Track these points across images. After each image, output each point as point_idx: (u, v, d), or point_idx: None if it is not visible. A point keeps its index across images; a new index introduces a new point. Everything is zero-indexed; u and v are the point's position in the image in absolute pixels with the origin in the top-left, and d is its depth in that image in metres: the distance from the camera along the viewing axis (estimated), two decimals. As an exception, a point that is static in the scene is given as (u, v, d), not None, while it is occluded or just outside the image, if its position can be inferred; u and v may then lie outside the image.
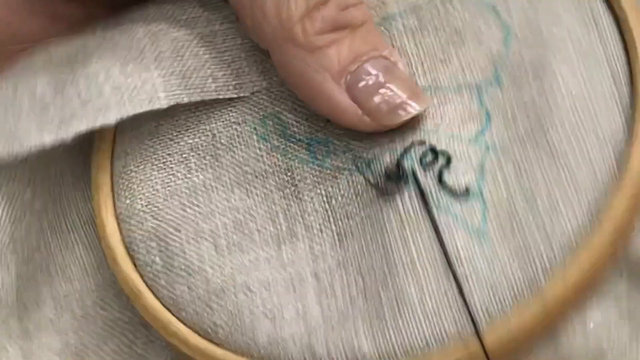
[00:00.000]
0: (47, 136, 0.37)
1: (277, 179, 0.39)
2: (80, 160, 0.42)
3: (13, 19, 0.42)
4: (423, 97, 0.38)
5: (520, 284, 0.35)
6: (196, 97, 0.39)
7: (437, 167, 0.37)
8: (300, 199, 0.38)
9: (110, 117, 0.38)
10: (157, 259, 0.38)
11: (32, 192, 0.42)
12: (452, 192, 0.36)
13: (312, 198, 0.38)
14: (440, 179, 0.37)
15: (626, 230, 0.35)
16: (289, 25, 0.37)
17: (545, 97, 0.37)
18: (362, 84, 0.37)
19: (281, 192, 0.39)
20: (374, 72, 0.37)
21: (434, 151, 0.37)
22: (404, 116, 0.37)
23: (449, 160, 0.37)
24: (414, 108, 0.37)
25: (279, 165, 0.39)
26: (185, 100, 0.39)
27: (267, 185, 0.39)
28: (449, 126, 0.38)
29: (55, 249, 0.42)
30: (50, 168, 0.42)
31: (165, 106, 0.38)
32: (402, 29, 0.39)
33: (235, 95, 0.39)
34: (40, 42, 0.42)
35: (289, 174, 0.39)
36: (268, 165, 0.39)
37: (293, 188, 0.38)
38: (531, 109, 0.37)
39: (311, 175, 0.39)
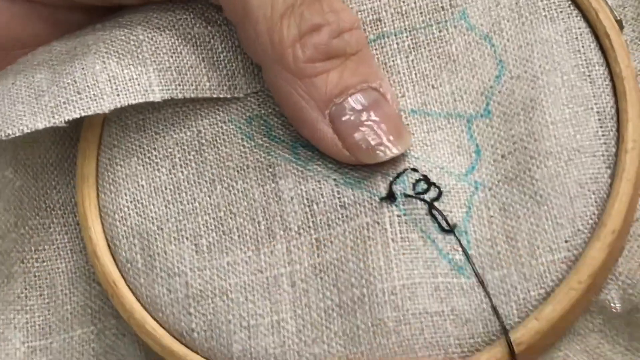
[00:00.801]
0: (40, 121, 0.37)
1: (258, 174, 0.39)
2: (66, 143, 0.42)
3: (16, 25, 0.42)
4: (405, 137, 0.38)
5: (493, 322, 0.36)
6: (190, 94, 0.39)
7: (427, 198, 0.37)
8: (279, 197, 0.39)
9: (104, 106, 0.38)
10: (139, 257, 0.39)
11: (14, 170, 0.42)
12: (440, 227, 0.37)
13: (292, 198, 0.39)
14: (430, 210, 0.37)
15: (600, 278, 0.36)
16: (280, 49, 0.37)
17: (533, 137, 0.38)
18: (345, 117, 0.37)
19: (261, 189, 0.39)
20: (358, 106, 0.37)
21: (427, 181, 0.38)
22: (382, 157, 0.37)
23: (439, 194, 0.38)
24: (392, 150, 0.37)
25: (261, 161, 0.39)
26: (179, 95, 0.39)
27: (248, 181, 0.39)
28: (439, 157, 0.38)
29: (32, 227, 0.42)
30: (34, 147, 0.42)
31: (159, 99, 0.38)
32: (396, 48, 0.40)
33: (229, 96, 0.40)
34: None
35: (270, 169, 0.39)
36: (250, 160, 0.39)
37: (274, 185, 0.39)
38: (519, 148, 0.38)
39: (293, 174, 0.39)
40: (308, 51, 0.37)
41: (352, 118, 0.37)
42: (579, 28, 0.39)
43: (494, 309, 0.36)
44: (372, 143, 0.37)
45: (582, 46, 0.39)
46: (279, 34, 0.37)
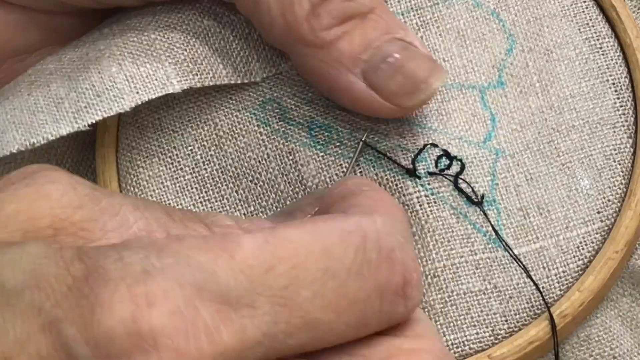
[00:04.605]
0: (64, 127, 0.37)
1: (280, 162, 0.39)
2: (80, 147, 0.42)
3: (14, 34, 0.41)
4: (441, 71, 0.37)
5: (537, 297, 0.37)
6: (208, 82, 0.39)
7: (452, 173, 0.38)
8: (305, 185, 0.39)
9: (125, 105, 0.38)
10: None
11: None
12: (469, 199, 0.38)
13: (316, 185, 0.39)
14: (456, 186, 0.38)
15: (634, 245, 0.38)
16: (296, 26, 0.37)
17: (554, 110, 0.39)
18: (377, 70, 0.37)
19: (286, 178, 0.39)
20: (388, 55, 0.37)
21: (448, 156, 0.39)
22: (424, 96, 0.37)
23: (463, 167, 0.38)
24: (433, 84, 0.37)
25: (281, 148, 0.39)
26: (198, 84, 0.39)
27: (271, 170, 0.39)
28: (455, 127, 0.39)
29: None
30: (50, 154, 0.42)
31: (178, 90, 0.38)
32: None
33: (246, 81, 0.40)
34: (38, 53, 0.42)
35: (290, 157, 0.39)
36: (270, 149, 0.39)
37: (297, 173, 0.39)
38: (540, 120, 0.39)
39: (314, 161, 0.39)
40: (323, 19, 0.37)
41: (385, 67, 0.37)
42: (585, 2, 0.40)
43: (536, 285, 0.37)
44: (412, 84, 0.37)
45: (590, 19, 0.40)
46: (292, 13, 0.37)
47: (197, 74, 0.39)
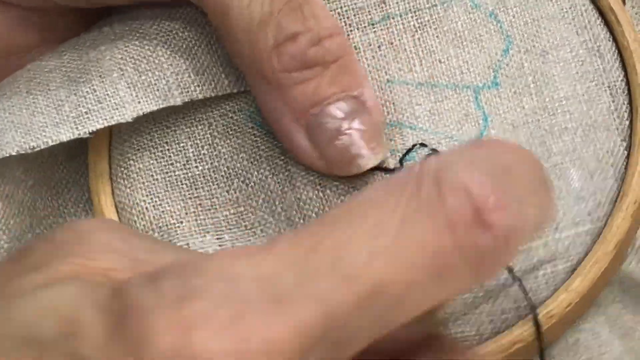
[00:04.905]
0: (64, 133, 0.37)
1: (271, 163, 0.39)
2: (73, 139, 0.42)
3: (10, 34, 0.42)
4: (383, 148, 0.37)
5: (521, 296, 0.37)
6: (209, 94, 0.39)
7: None
8: (293, 185, 0.39)
9: (126, 115, 0.38)
10: None
11: (25, 170, 0.42)
12: None
13: (305, 185, 0.39)
14: None
15: (624, 248, 0.37)
16: (259, 59, 0.36)
17: (547, 112, 0.38)
18: (320, 129, 0.37)
19: (276, 177, 0.39)
20: (336, 116, 0.37)
21: (436, 154, 0.38)
22: (358, 169, 0.37)
23: None
24: (368, 161, 0.37)
25: (273, 149, 0.39)
26: (200, 96, 0.39)
27: (262, 171, 0.39)
28: (447, 126, 0.39)
29: (47, 227, 0.42)
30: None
31: (179, 103, 0.39)
32: (402, 28, 0.40)
33: (248, 89, 0.40)
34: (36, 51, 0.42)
35: (282, 158, 0.39)
36: (262, 150, 0.39)
37: (287, 173, 0.39)
38: (532, 121, 0.38)
39: None
40: (284, 60, 0.36)
41: (328, 128, 0.37)
42: (584, 5, 0.40)
43: (520, 282, 0.36)
44: (349, 155, 0.37)
45: (589, 22, 0.39)
46: (257, 43, 0.36)
47: (198, 86, 0.39)
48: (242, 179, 0.39)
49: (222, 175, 0.39)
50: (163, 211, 0.39)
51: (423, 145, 0.38)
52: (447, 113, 0.39)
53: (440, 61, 0.39)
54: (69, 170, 0.42)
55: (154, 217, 0.39)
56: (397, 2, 0.40)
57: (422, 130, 0.39)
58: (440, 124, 0.39)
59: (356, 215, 0.28)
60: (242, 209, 0.39)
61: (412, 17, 0.40)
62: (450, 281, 0.27)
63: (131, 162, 0.40)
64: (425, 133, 0.39)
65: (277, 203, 0.39)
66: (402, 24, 0.40)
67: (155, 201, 0.39)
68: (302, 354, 0.26)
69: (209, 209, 0.39)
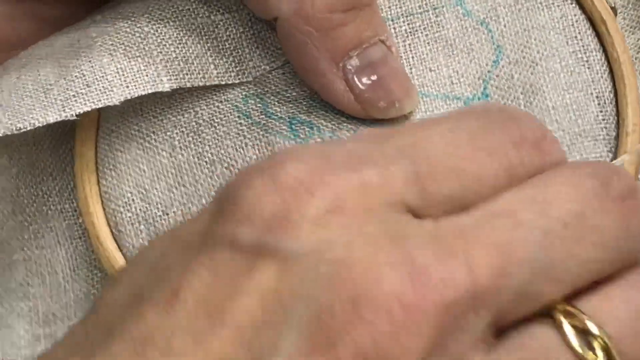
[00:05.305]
0: (51, 115, 0.38)
1: (257, 152, 0.39)
2: (60, 129, 0.42)
3: (3, 26, 0.42)
4: (414, 97, 0.38)
5: None
6: (198, 83, 0.39)
7: None
8: None
9: (114, 98, 0.38)
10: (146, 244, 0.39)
11: (9, 157, 0.42)
12: None
13: None
14: None
15: None
16: None
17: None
18: (358, 72, 0.37)
19: None
20: (371, 61, 0.37)
21: None
22: (394, 114, 0.38)
23: None
24: (405, 107, 0.38)
25: (260, 139, 0.39)
26: (188, 84, 0.39)
27: (247, 159, 0.39)
28: None
29: (29, 215, 0.42)
30: (28, 133, 0.42)
31: (167, 89, 0.39)
32: (393, 33, 0.40)
33: (237, 81, 0.40)
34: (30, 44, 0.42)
35: (269, 147, 0.39)
36: (248, 139, 0.39)
37: None
38: None
39: None
40: (327, 1, 0.37)
41: (366, 72, 0.37)
42: (575, 15, 0.40)
43: None
44: (386, 99, 0.38)
45: (579, 32, 0.40)
46: None
47: (187, 74, 0.39)
48: (226, 165, 0.39)
49: (205, 162, 0.40)
50: (149, 203, 0.39)
51: None
52: None
53: (430, 70, 0.40)
54: (54, 159, 0.42)
55: (140, 209, 0.39)
56: (389, 7, 0.40)
57: None
58: None
59: (430, 122, 0.32)
60: None
61: (403, 21, 0.40)
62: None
63: (118, 153, 0.40)
64: None
65: None
66: (394, 28, 0.40)
67: (142, 193, 0.39)
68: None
69: (194, 196, 0.39)
